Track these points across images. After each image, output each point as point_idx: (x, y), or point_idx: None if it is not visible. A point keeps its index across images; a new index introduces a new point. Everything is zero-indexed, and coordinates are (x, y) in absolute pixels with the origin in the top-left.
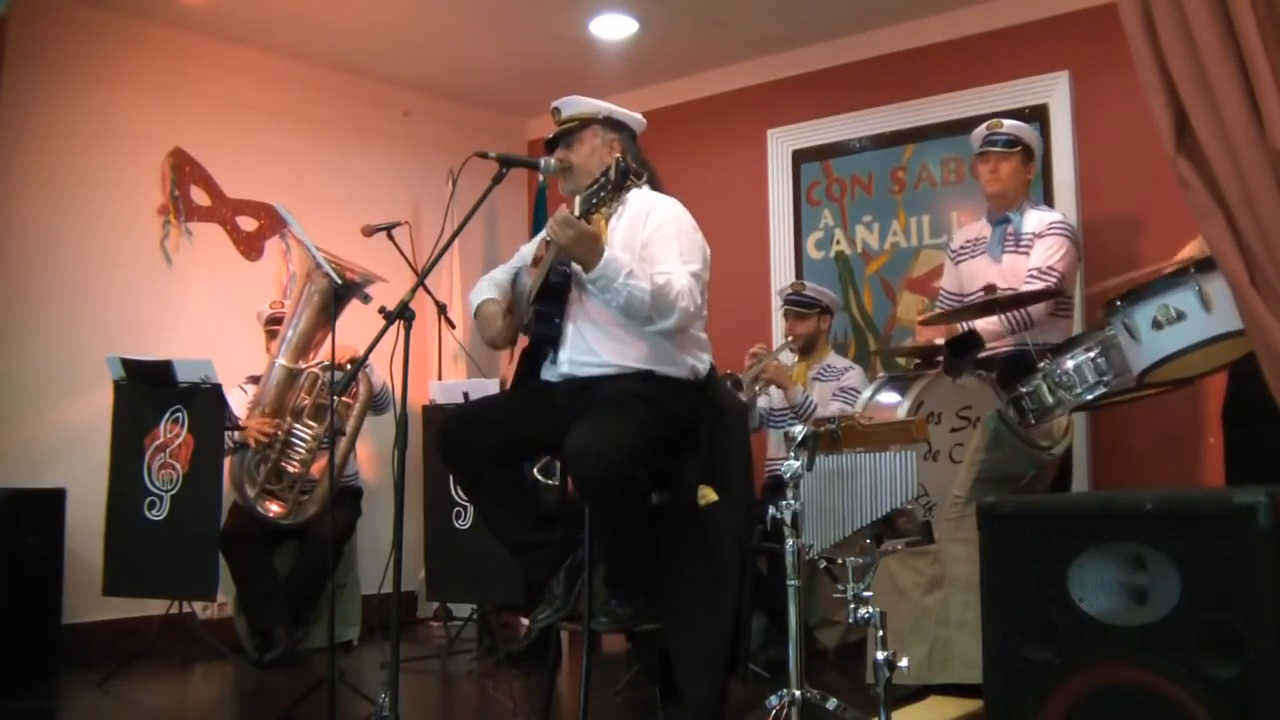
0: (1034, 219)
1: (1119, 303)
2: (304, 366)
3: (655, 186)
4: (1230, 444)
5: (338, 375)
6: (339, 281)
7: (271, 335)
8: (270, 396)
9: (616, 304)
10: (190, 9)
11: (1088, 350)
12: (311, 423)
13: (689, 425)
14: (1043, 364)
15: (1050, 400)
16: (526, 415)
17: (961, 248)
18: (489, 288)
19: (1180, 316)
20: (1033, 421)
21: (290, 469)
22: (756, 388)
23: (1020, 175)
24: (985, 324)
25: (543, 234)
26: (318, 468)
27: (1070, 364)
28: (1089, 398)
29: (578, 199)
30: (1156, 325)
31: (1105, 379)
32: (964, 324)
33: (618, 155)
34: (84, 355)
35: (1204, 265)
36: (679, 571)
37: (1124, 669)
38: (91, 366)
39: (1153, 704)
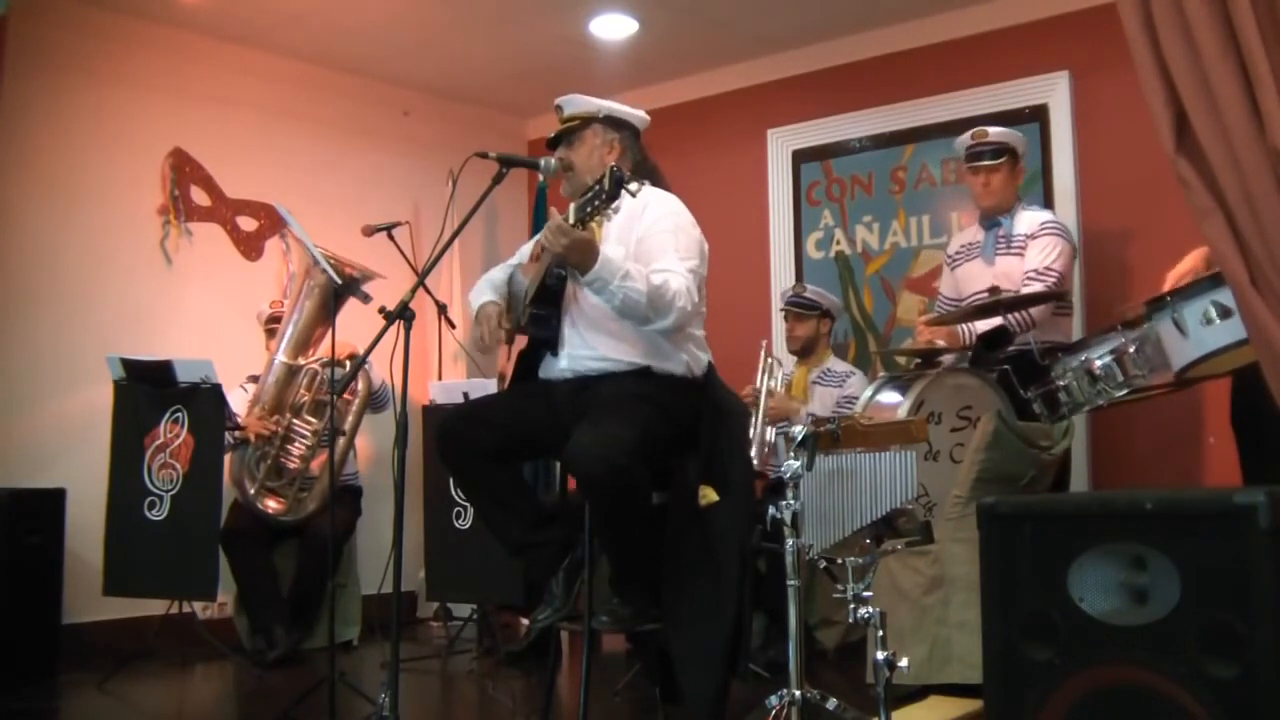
0: (1025, 220)
1: (1169, 298)
2: (303, 363)
3: (658, 185)
4: (1242, 447)
5: (338, 372)
6: (338, 281)
7: (271, 334)
8: (270, 393)
9: (613, 305)
10: (190, 9)
11: (1128, 345)
12: (311, 419)
13: (690, 424)
14: (1081, 357)
15: (1081, 396)
16: (526, 415)
17: (957, 253)
18: (488, 289)
19: (1227, 314)
20: (1065, 414)
21: (290, 465)
22: (770, 435)
23: (1011, 182)
24: (989, 327)
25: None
26: (317, 464)
27: (1109, 358)
28: (1121, 393)
29: (571, 206)
30: (1205, 321)
31: (1142, 374)
32: (965, 327)
33: (612, 164)
34: (84, 355)
35: None
36: (680, 572)
37: (1124, 669)
38: (91, 366)
39: (1153, 704)
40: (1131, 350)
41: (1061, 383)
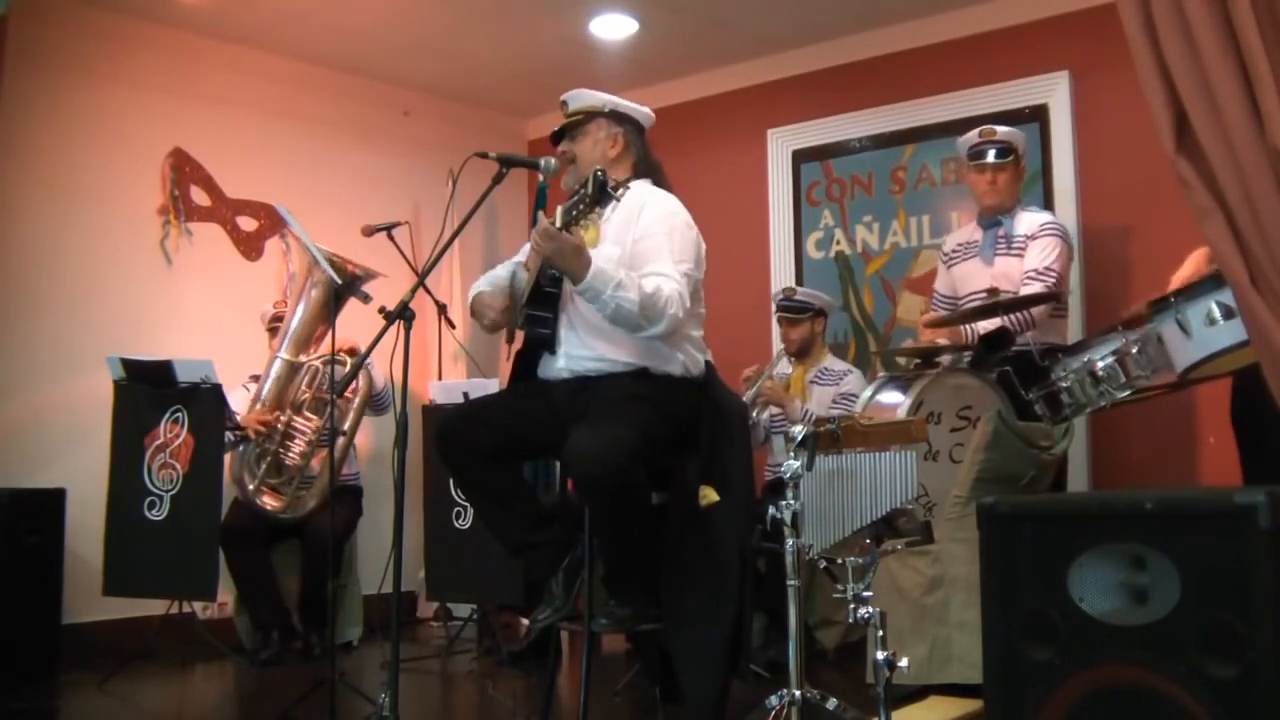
0: (1025, 221)
1: (1173, 299)
2: (304, 360)
3: (659, 183)
4: (1242, 446)
5: (338, 370)
6: (339, 281)
7: (274, 334)
8: (270, 390)
9: (605, 314)
10: (190, 9)
11: (1129, 346)
12: (311, 415)
13: (689, 425)
14: (1084, 358)
15: (1083, 398)
16: (526, 415)
17: (954, 251)
18: (485, 283)
19: (1230, 314)
20: (1068, 415)
21: (289, 461)
22: (755, 412)
23: (1015, 182)
24: (989, 327)
25: None
26: (317, 462)
27: (1111, 359)
28: (1124, 394)
29: (558, 210)
30: (1209, 321)
31: (1145, 374)
32: (969, 326)
33: (598, 169)
34: (84, 355)
35: None
36: (680, 571)
37: (1124, 669)
38: (91, 367)
39: (1153, 704)
40: (1134, 351)
41: (1064, 384)
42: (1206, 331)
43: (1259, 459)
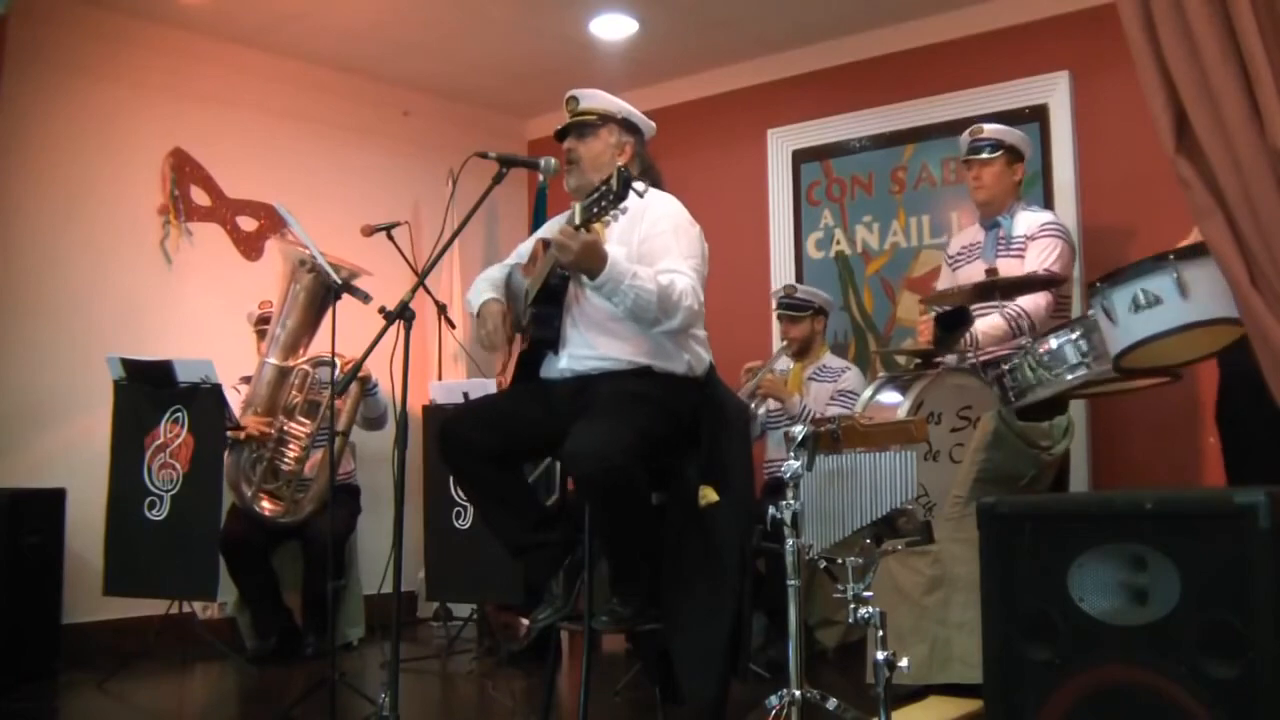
0: (1024, 221)
1: (1099, 284)
2: (293, 364)
3: (659, 188)
4: (1226, 444)
5: (331, 373)
6: (339, 282)
7: (261, 335)
8: (262, 395)
9: (625, 307)
10: (190, 9)
11: (1070, 331)
12: (304, 420)
13: (689, 424)
14: (1023, 341)
15: (1031, 379)
16: (527, 415)
17: (957, 254)
18: (488, 287)
19: (1156, 301)
20: (1013, 399)
21: (285, 467)
22: (754, 403)
23: (1006, 179)
24: (990, 328)
25: (540, 232)
26: (311, 465)
27: (1054, 344)
28: (1069, 378)
29: (577, 206)
30: (1134, 308)
31: (1086, 361)
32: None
33: (621, 164)
34: (84, 355)
35: (1185, 253)
36: (679, 571)
37: (1124, 669)
38: (91, 366)
39: (1153, 704)
40: (1074, 336)
41: (1006, 366)
42: (1131, 318)
43: (1241, 460)
